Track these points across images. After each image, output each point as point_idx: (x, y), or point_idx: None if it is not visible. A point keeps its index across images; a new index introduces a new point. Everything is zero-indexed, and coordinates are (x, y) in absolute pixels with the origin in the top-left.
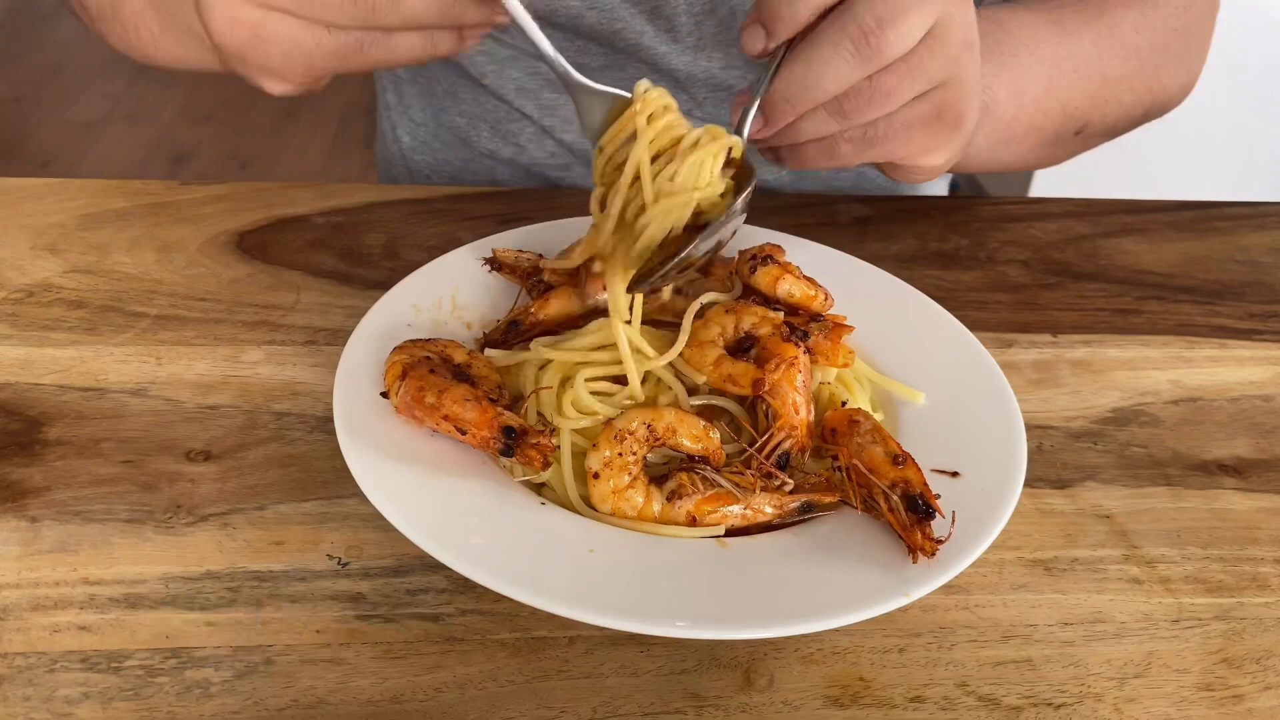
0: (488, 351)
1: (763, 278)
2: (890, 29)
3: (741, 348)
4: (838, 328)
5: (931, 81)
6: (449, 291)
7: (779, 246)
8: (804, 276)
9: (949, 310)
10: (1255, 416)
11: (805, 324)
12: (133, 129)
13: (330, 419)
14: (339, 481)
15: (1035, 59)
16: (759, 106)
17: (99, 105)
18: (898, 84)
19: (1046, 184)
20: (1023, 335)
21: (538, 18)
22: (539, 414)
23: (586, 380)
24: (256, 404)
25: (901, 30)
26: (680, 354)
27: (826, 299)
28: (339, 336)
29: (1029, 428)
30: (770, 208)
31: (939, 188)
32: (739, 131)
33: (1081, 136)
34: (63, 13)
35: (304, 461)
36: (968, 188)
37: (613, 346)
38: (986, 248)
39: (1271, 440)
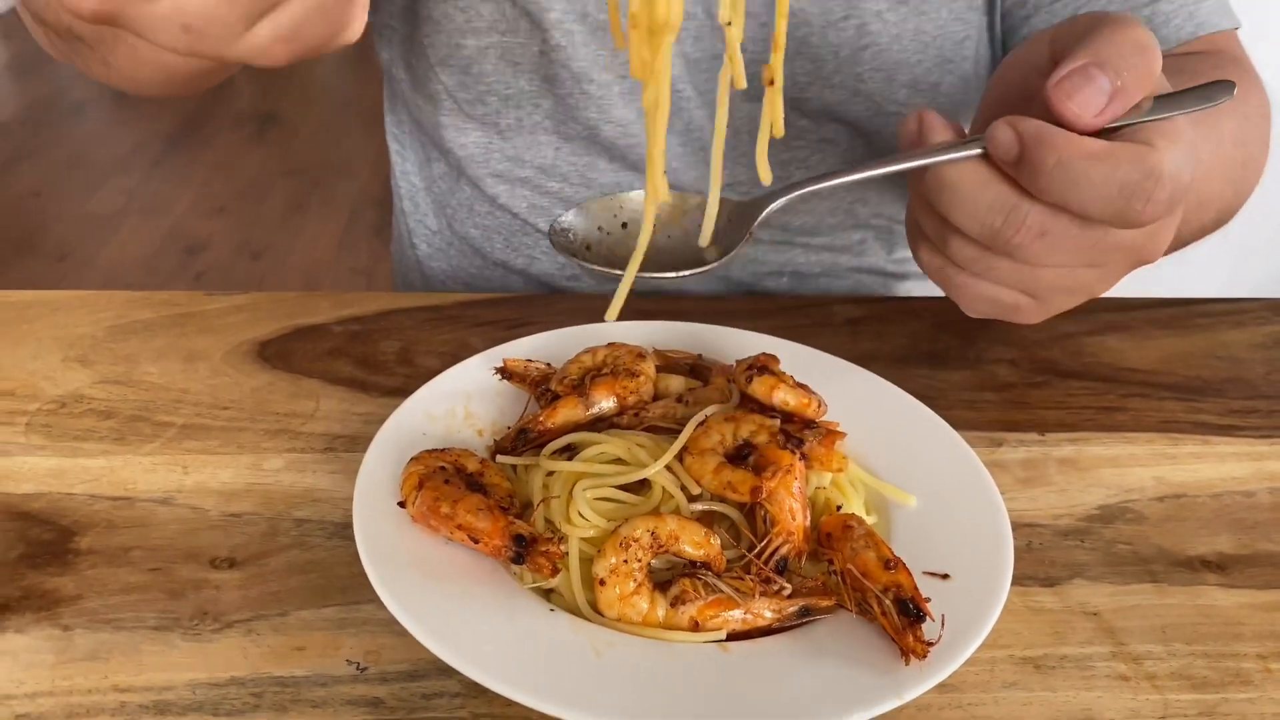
0: (498, 458)
1: (759, 387)
2: (1153, 204)
3: (740, 455)
4: (831, 434)
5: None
6: (461, 401)
7: (774, 356)
8: (797, 384)
9: (940, 409)
10: (1237, 512)
11: (800, 431)
12: (147, 221)
13: (348, 525)
14: (357, 587)
15: None
16: (1009, 120)
17: (115, 199)
18: (1121, 242)
19: None
20: (1011, 434)
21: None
22: (547, 520)
23: (588, 490)
24: (278, 511)
25: (1158, 205)
26: (682, 462)
27: (820, 406)
28: (356, 443)
29: (1018, 526)
30: (765, 310)
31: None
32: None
33: None
34: (83, 109)
35: (324, 568)
36: None
37: (618, 459)
38: (975, 347)
39: (1253, 535)
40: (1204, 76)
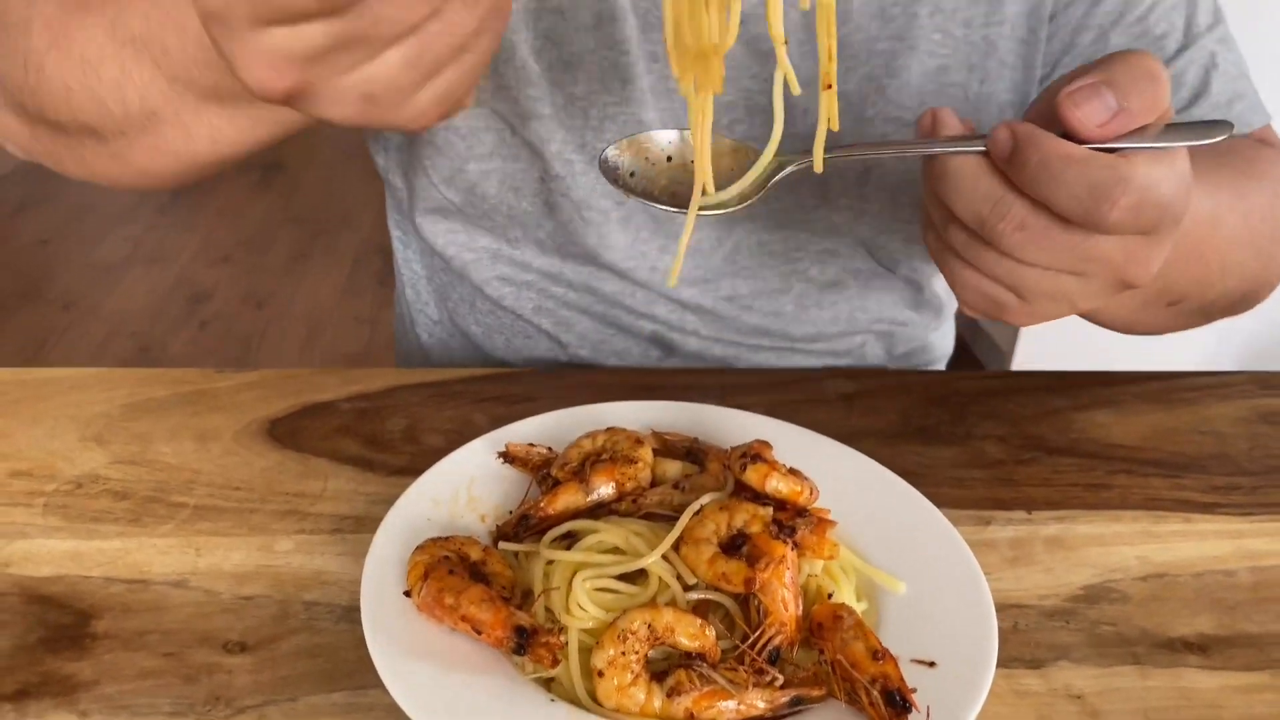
0: (500, 545)
1: (752, 475)
2: (1118, 209)
3: (734, 544)
4: (822, 523)
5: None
6: (465, 484)
7: (766, 443)
8: (790, 471)
9: (930, 487)
10: (1218, 592)
11: (792, 519)
12: (152, 270)
13: (356, 607)
14: (364, 671)
15: None
16: (1008, 123)
17: (120, 247)
18: (1097, 252)
19: (1024, 357)
20: (999, 512)
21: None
22: (548, 610)
23: (586, 580)
24: (288, 594)
25: (1124, 211)
26: (678, 552)
27: (812, 493)
28: (363, 524)
29: (1005, 607)
30: (760, 385)
31: (940, 356)
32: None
33: (1175, 309)
34: None
35: (332, 652)
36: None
37: (615, 548)
38: (965, 422)
39: (1233, 616)
40: (1241, 157)
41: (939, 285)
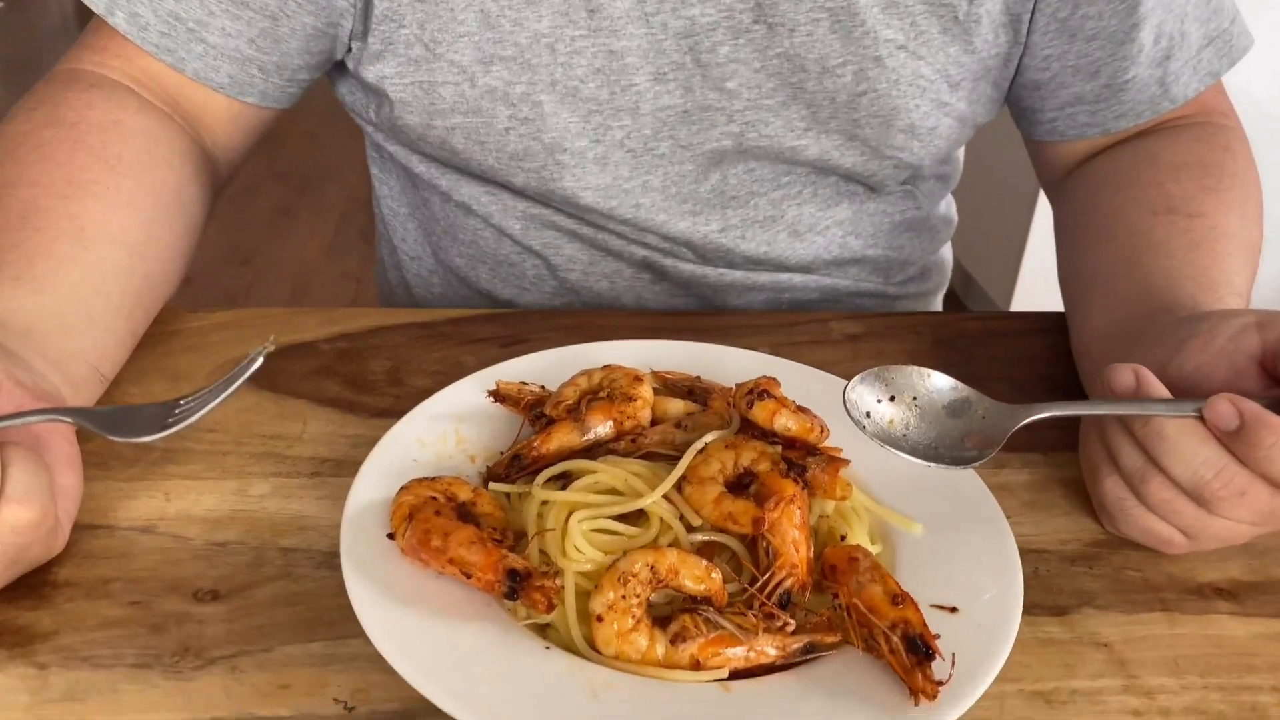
0: (491, 486)
1: (760, 412)
2: None
3: (741, 484)
4: (834, 461)
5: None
6: (453, 424)
7: (774, 380)
8: (799, 409)
9: None
10: None
11: (803, 458)
12: None
13: (336, 554)
14: (345, 621)
15: None
16: (1230, 398)
17: None
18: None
19: (1029, 298)
20: (1014, 455)
21: None
22: (542, 553)
23: (583, 521)
24: (264, 539)
25: None
26: (681, 492)
27: (823, 431)
28: (344, 467)
29: (1025, 552)
30: (763, 326)
31: (935, 302)
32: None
33: None
34: None
35: (311, 599)
36: (957, 297)
37: (613, 489)
38: (975, 363)
39: (1264, 561)
40: (1222, 177)
41: (936, 208)
